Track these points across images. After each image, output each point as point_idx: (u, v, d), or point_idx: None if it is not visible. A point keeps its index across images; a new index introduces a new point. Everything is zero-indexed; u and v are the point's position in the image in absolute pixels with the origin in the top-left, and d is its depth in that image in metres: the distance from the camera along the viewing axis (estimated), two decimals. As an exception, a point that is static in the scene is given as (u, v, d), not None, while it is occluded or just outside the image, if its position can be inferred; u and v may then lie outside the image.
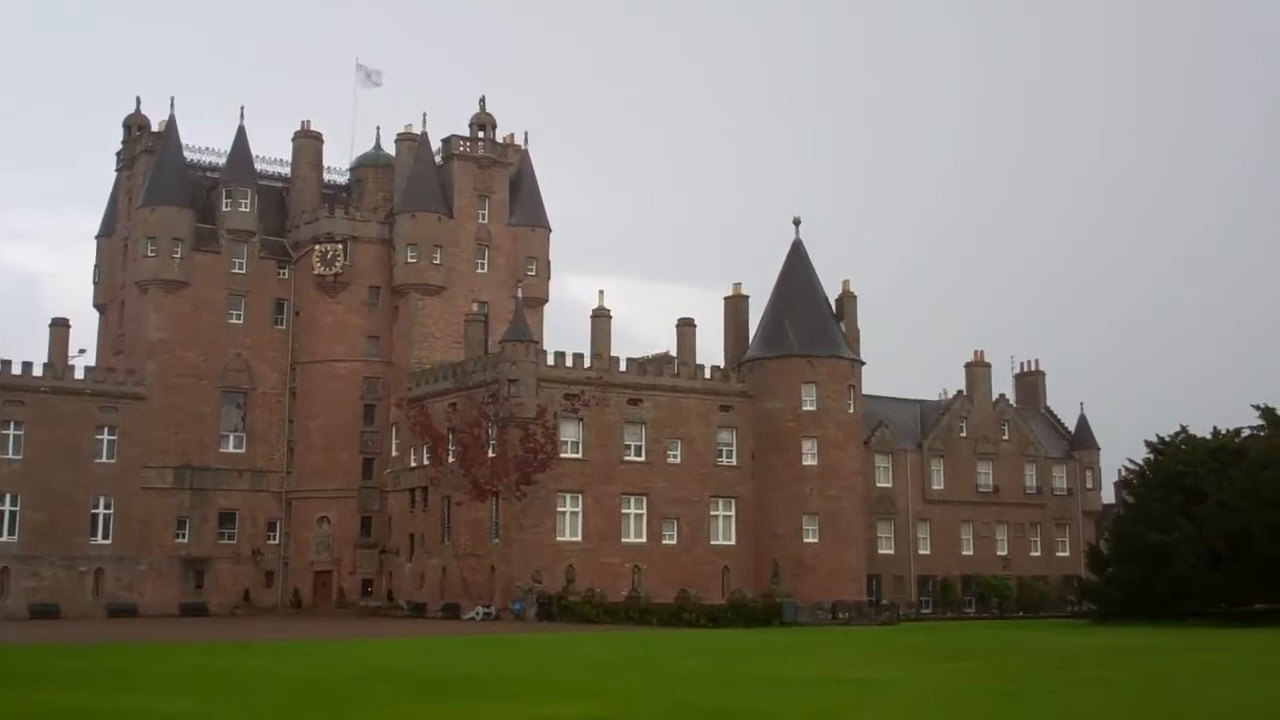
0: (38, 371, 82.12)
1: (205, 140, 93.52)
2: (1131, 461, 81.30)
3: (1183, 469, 75.96)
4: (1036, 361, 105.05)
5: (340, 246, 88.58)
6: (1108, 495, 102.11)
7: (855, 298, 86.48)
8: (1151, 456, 78.88)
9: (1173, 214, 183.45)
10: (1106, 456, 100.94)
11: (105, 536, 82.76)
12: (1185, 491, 74.52)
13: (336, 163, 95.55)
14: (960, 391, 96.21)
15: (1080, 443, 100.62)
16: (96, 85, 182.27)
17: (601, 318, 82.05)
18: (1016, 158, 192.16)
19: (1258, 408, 78.28)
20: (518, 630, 62.21)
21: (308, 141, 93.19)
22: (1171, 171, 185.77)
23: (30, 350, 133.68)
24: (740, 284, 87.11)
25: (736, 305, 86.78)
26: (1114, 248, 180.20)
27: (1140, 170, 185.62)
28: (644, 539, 78.79)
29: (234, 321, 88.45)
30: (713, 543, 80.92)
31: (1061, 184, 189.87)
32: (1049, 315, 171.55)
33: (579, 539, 76.83)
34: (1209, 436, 78.59)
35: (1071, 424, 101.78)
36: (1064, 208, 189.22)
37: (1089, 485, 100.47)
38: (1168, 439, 78.92)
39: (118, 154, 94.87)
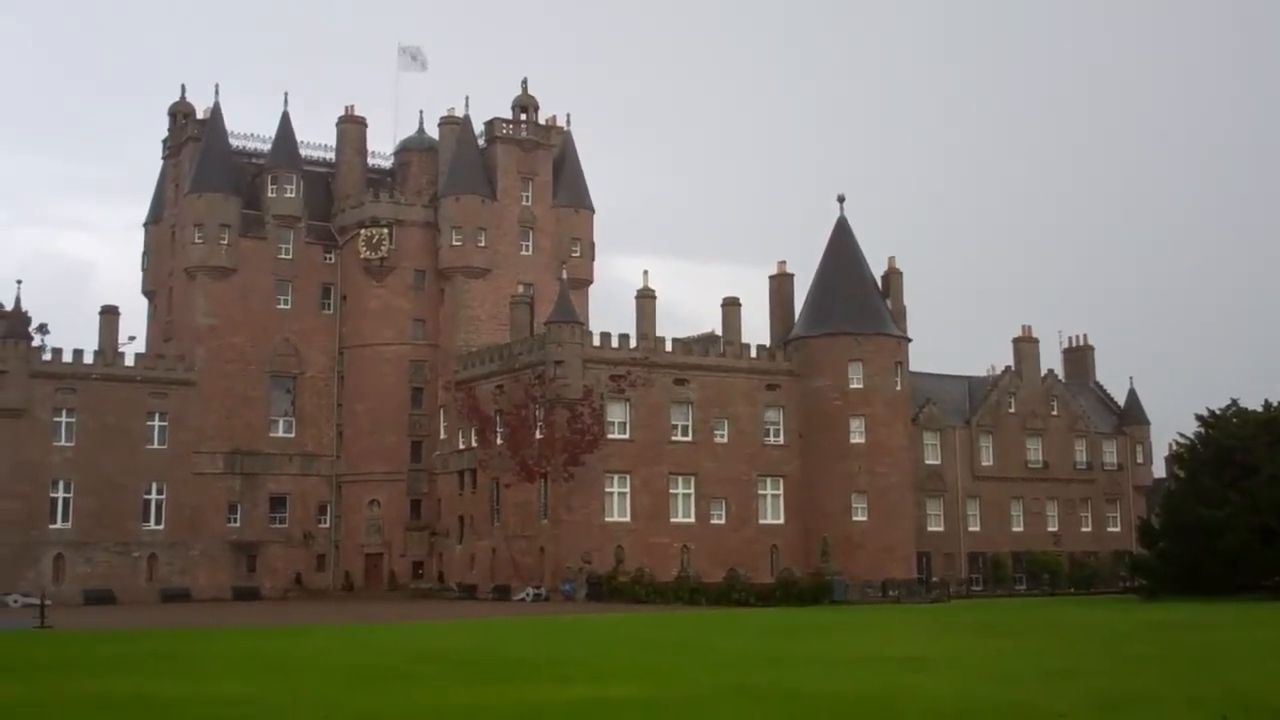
0: (89, 359, 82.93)
1: (250, 127, 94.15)
2: (1182, 435, 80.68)
3: (1234, 443, 75.23)
4: (1085, 336, 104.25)
5: (385, 230, 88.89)
6: (1159, 470, 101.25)
7: (901, 274, 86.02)
8: (1202, 430, 78.19)
9: (1222, 186, 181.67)
10: (1157, 431, 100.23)
11: (158, 522, 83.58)
12: (1237, 465, 73.84)
13: (380, 147, 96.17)
14: (1008, 367, 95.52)
15: (1130, 417, 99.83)
16: (142, 74, 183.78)
17: (646, 298, 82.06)
18: (1064, 129, 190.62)
19: (1310, 379, 77.56)
20: (568, 611, 62.40)
21: (351, 126, 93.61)
22: (1219, 143, 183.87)
23: (81, 338, 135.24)
24: (785, 262, 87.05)
25: (781, 283, 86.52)
26: (1163, 220, 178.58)
27: (1187, 142, 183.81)
28: (692, 519, 78.84)
29: (281, 307, 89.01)
30: (761, 522, 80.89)
31: (1110, 156, 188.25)
32: (1097, 289, 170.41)
33: (627, 519, 76.96)
34: (1260, 410, 77.83)
35: (1121, 398, 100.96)
36: (1113, 180, 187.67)
37: (1139, 460, 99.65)
38: (1218, 412, 78.19)
39: (164, 142, 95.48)
